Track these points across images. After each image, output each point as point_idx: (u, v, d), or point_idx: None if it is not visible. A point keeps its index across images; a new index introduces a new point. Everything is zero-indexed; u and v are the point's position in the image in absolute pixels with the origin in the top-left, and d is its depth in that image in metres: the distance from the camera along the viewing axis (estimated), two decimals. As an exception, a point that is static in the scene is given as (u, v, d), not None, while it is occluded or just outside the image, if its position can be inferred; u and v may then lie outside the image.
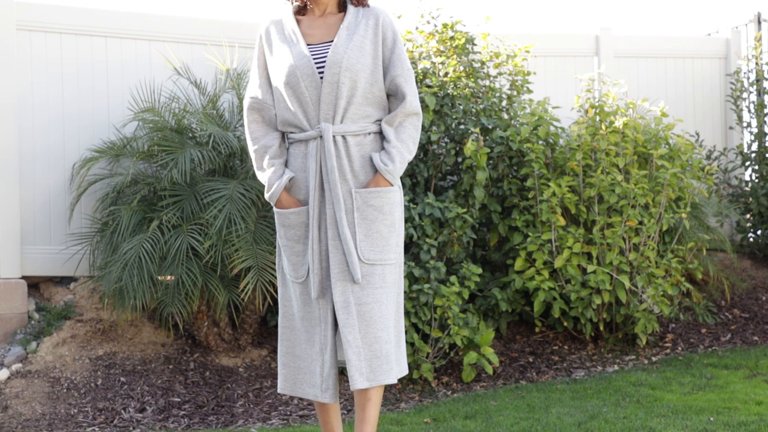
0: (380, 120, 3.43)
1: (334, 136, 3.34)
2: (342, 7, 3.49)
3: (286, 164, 3.47)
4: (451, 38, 6.36)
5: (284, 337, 3.49)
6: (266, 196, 3.43)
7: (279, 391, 3.52)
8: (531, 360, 6.02)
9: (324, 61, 3.35)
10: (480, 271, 5.73)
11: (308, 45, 3.39)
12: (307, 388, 3.42)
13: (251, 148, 3.48)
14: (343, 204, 3.33)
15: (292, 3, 3.51)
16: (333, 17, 3.46)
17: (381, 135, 3.43)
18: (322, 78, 3.33)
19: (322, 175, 3.36)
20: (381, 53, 3.41)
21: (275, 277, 5.46)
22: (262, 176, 3.45)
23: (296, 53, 3.36)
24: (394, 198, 3.42)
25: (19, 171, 5.96)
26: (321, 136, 3.35)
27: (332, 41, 3.38)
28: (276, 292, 5.57)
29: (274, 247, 5.52)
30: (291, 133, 3.44)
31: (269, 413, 5.18)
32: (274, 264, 5.47)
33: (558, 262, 5.89)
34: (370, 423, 3.37)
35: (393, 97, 3.46)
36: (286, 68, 3.36)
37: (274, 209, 3.45)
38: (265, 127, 3.47)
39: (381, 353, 3.30)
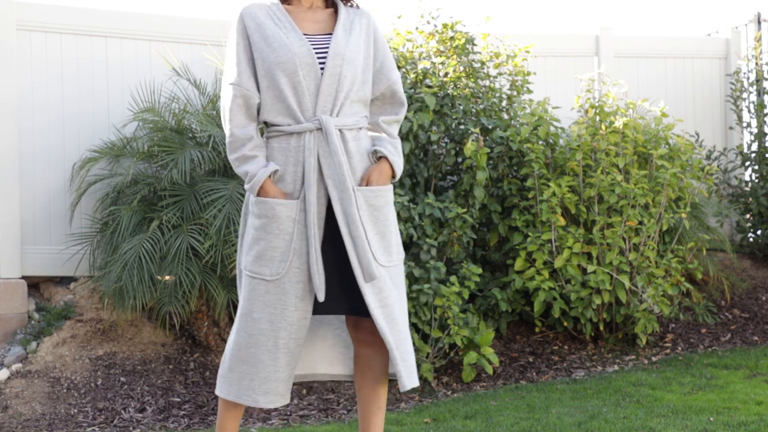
0: (365, 116, 3.36)
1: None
2: (328, 3, 3.42)
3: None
4: (451, 38, 6.36)
5: (241, 341, 3.26)
6: (247, 186, 3.24)
7: (220, 394, 3.31)
8: (531, 360, 6.02)
9: (324, 53, 3.25)
10: (480, 271, 5.72)
11: (304, 35, 3.28)
12: (258, 396, 3.23)
13: (232, 137, 3.27)
14: (339, 204, 3.20)
15: None
16: (322, 11, 3.39)
17: (370, 130, 3.38)
18: (322, 69, 3.23)
19: (321, 170, 3.22)
20: (372, 55, 3.37)
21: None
22: (243, 166, 3.26)
23: (294, 40, 3.23)
24: (391, 197, 3.34)
25: (19, 171, 5.97)
26: (319, 129, 3.22)
27: (330, 34, 3.30)
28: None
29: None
30: (280, 124, 3.27)
31: (269, 413, 5.18)
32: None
33: (558, 262, 5.89)
34: (381, 429, 3.35)
35: (387, 100, 3.42)
36: (283, 55, 3.21)
37: (256, 199, 3.24)
38: (248, 118, 3.28)
39: (409, 353, 3.24)
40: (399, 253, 3.33)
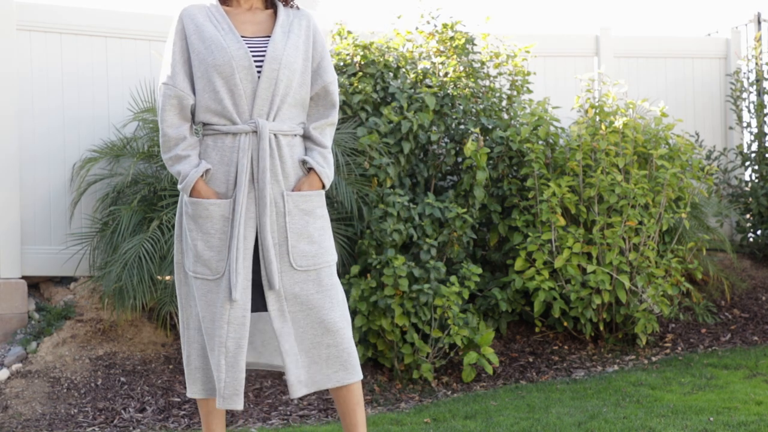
0: (302, 123, 3.38)
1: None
2: (268, 4, 3.42)
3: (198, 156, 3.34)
4: (451, 38, 6.36)
5: (190, 339, 3.35)
6: (180, 186, 3.27)
7: (189, 394, 3.39)
8: (531, 360, 6.02)
9: (261, 56, 3.26)
10: (480, 271, 5.72)
11: (242, 37, 3.29)
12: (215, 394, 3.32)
13: (165, 137, 3.30)
14: (274, 207, 3.25)
15: None
16: (261, 13, 3.39)
17: (303, 138, 3.40)
18: (259, 73, 3.24)
19: (253, 172, 3.25)
20: (311, 57, 3.37)
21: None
22: (176, 165, 3.29)
23: (231, 43, 3.24)
24: (322, 201, 3.37)
25: (19, 171, 5.97)
26: (255, 132, 3.24)
27: (268, 36, 3.31)
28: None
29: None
30: (215, 124, 3.29)
31: (269, 413, 5.18)
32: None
33: (558, 262, 5.89)
34: (364, 425, 3.36)
35: (320, 101, 3.42)
36: (220, 58, 3.23)
37: (189, 199, 3.27)
38: (181, 118, 3.30)
39: (332, 356, 3.28)
40: (332, 254, 3.35)
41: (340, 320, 3.30)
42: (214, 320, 3.23)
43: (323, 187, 3.37)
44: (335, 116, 3.46)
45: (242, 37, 3.29)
